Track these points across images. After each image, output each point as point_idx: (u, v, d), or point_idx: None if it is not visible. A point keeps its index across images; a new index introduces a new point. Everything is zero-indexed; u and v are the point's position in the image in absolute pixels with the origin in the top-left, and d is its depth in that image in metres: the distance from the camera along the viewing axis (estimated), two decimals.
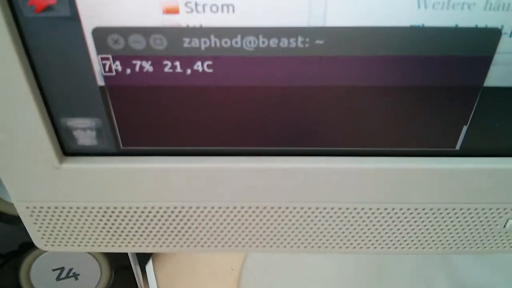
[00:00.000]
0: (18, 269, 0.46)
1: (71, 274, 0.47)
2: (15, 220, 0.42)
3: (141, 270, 0.55)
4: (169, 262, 0.60)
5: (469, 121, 0.25)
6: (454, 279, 0.54)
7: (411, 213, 0.29)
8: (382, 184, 0.27)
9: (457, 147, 0.26)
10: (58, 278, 0.47)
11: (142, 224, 0.30)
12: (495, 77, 0.23)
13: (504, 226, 0.30)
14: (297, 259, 0.57)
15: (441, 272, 0.54)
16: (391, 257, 0.56)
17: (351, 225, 0.30)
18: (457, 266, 0.55)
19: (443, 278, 0.54)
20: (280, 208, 0.29)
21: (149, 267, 0.58)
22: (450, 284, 0.53)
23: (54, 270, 0.47)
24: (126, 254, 0.47)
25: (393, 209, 0.29)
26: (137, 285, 0.50)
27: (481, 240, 0.31)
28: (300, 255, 0.57)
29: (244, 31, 0.22)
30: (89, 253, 0.46)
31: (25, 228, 0.30)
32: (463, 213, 0.29)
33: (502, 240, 0.31)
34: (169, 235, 0.31)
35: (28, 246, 0.44)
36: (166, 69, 0.23)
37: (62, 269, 0.47)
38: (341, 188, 0.27)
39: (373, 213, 0.29)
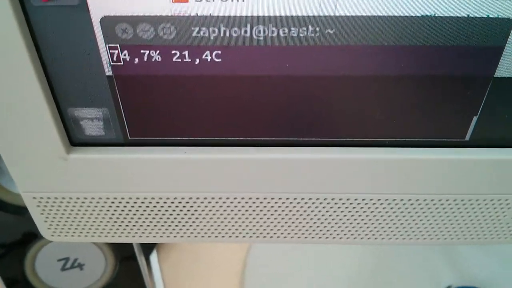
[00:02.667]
0: (23, 259, 0.46)
1: (76, 264, 0.47)
2: (19, 210, 0.42)
3: (146, 261, 0.55)
4: (173, 252, 0.60)
5: (479, 111, 0.25)
6: (458, 270, 0.54)
7: (419, 204, 0.29)
8: (392, 175, 0.27)
9: (467, 137, 0.26)
10: (63, 268, 0.47)
11: (148, 214, 0.30)
12: (506, 68, 0.23)
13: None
14: (301, 249, 0.57)
15: (445, 263, 0.54)
16: (396, 248, 0.56)
17: (359, 215, 0.30)
18: (461, 257, 0.55)
19: (447, 269, 0.54)
20: (287, 199, 0.29)
21: (153, 257, 0.58)
22: (454, 275, 0.53)
23: (59, 260, 0.47)
24: (131, 244, 0.47)
25: (401, 199, 0.29)
26: (141, 275, 0.50)
27: (489, 231, 0.31)
28: (304, 245, 0.57)
29: (254, 20, 0.21)
30: (94, 243, 0.46)
31: (29, 218, 0.30)
32: (471, 204, 0.29)
33: (510, 230, 0.31)
34: (174, 225, 0.31)
35: (32, 236, 0.44)
36: (175, 59, 0.23)
37: (67, 259, 0.47)
38: (351, 179, 0.27)
39: (381, 203, 0.29)
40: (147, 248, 0.58)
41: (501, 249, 0.56)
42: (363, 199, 0.28)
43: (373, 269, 0.55)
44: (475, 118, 0.25)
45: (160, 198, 0.29)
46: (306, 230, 0.31)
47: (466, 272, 0.54)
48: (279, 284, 0.56)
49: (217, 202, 0.29)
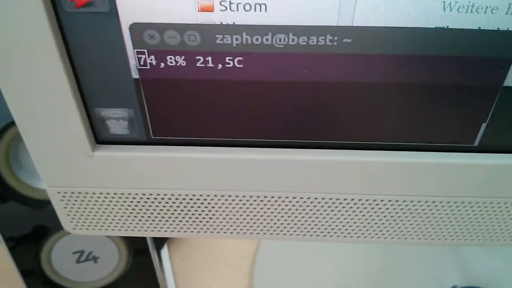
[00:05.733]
0: (40, 251, 0.47)
1: (90, 257, 0.49)
2: (38, 204, 0.43)
3: (157, 255, 0.56)
4: (184, 247, 0.61)
5: (488, 118, 0.26)
6: (464, 270, 0.55)
7: (428, 205, 0.30)
8: (403, 177, 0.28)
9: (476, 143, 0.27)
10: (78, 261, 0.49)
11: (165, 209, 0.31)
12: None
13: None
14: (310, 246, 0.58)
15: (450, 263, 0.55)
16: (402, 248, 0.57)
17: (370, 215, 0.31)
18: (467, 258, 0.56)
19: (452, 269, 0.55)
20: (294, 198, 0.30)
21: (165, 251, 0.59)
22: (459, 276, 0.54)
23: (74, 253, 0.48)
24: (144, 238, 0.48)
25: (411, 201, 0.30)
26: (154, 268, 0.51)
27: (495, 233, 0.32)
28: (313, 242, 0.58)
29: (275, 29, 0.22)
30: (109, 237, 0.47)
31: (46, 211, 0.31)
32: (478, 206, 0.30)
33: None
34: (188, 221, 0.32)
35: (48, 229, 0.46)
36: (198, 64, 0.24)
37: (82, 252, 0.48)
38: (365, 180, 0.29)
39: (392, 204, 0.30)
40: (159, 243, 0.59)
41: (506, 250, 0.56)
42: (375, 200, 0.30)
43: (380, 267, 0.56)
44: (484, 125, 0.26)
45: (179, 195, 0.30)
46: (314, 228, 0.32)
47: (471, 272, 0.55)
48: (287, 279, 0.57)
49: (230, 200, 0.30)
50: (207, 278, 0.58)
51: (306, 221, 0.32)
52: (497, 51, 0.23)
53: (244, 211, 0.31)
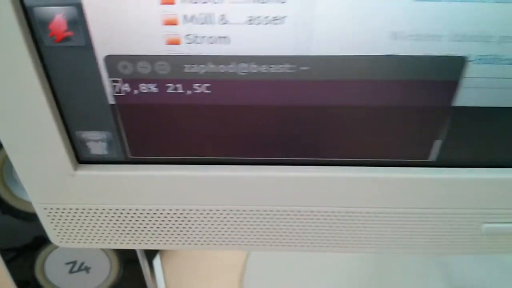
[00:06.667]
0: (34, 262, 0.49)
1: (83, 267, 0.50)
2: (30, 217, 0.45)
3: (149, 265, 0.58)
4: (176, 257, 0.63)
5: (440, 136, 0.28)
6: (450, 279, 0.56)
7: (395, 217, 0.32)
8: (370, 191, 0.30)
9: (431, 158, 0.29)
10: (70, 271, 0.50)
11: (149, 224, 0.33)
12: (464, 98, 0.26)
13: (480, 229, 0.33)
14: (299, 256, 0.60)
15: (436, 272, 0.56)
16: (389, 257, 0.58)
17: (344, 227, 0.33)
18: (452, 266, 0.57)
19: (438, 278, 0.56)
20: (278, 211, 0.32)
21: (157, 262, 0.61)
22: (446, 284, 0.55)
23: (67, 263, 0.50)
24: (135, 249, 0.50)
25: (380, 213, 0.32)
26: (144, 278, 0.53)
27: (460, 242, 0.34)
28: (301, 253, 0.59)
29: (238, 59, 0.24)
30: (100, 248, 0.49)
31: (39, 224, 0.33)
32: (441, 217, 0.32)
33: (479, 242, 0.34)
34: (172, 234, 0.34)
35: (42, 240, 0.47)
36: (169, 90, 0.26)
37: (74, 262, 0.50)
38: (334, 194, 0.31)
39: (363, 216, 0.32)
40: (151, 253, 0.61)
41: (491, 257, 0.58)
42: (347, 212, 0.31)
43: (371, 275, 0.57)
44: (437, 142, 0.28)
45: (158, 210, 0.32)
46: (300, 240, 0.34)
47: (456, 279, 0.55)
48: (278, 287, 0.58)
49: (212, 214, 0.32)
50: (199, 287, 0.60)
51: (284, 232, 0.33)
52: (444, 74, 0.25)
53: (224, 225, 0.33)
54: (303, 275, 0.58)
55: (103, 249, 0.49)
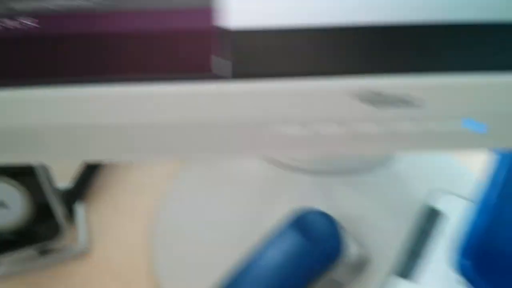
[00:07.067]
0: None
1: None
2: None
3: (69, 209, 0.62)
4: (98, 203, 0.67)
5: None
6: (331, 201, 0.58)
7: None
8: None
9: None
10: None
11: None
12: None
13: None
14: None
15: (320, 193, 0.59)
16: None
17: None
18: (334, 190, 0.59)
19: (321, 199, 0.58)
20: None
21: (80, 207, 0.65)
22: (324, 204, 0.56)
23: None
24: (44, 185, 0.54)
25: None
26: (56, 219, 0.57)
27: None
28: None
29: None
30: (14, 186, 0.54)
31: None
32: None
33: None
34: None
35: None
36: None
37: None
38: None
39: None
40: (72, 196, 0.66)
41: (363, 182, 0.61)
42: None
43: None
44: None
45: None
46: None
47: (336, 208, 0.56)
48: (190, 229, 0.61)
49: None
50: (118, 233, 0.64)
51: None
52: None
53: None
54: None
55: (14, 186, 0.54)
